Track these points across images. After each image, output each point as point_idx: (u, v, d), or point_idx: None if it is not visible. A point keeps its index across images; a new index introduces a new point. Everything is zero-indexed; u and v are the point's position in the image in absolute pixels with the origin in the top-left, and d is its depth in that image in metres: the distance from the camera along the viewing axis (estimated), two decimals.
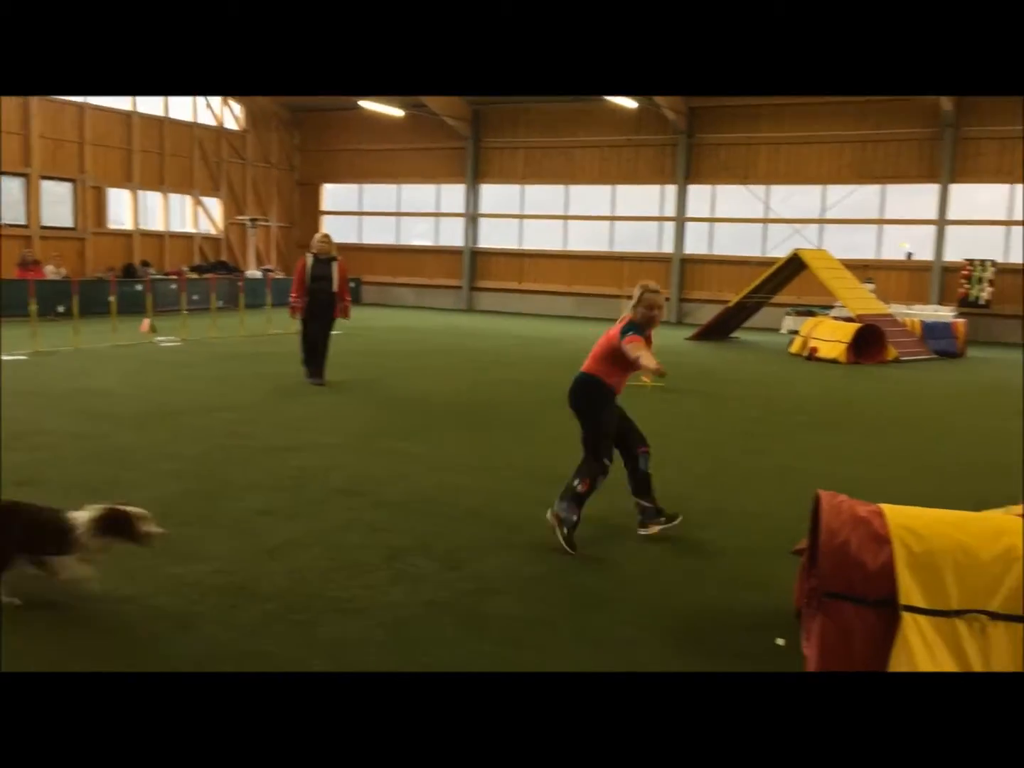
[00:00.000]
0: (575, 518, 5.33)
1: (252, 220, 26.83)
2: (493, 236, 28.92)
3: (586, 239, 27.75)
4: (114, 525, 4.24)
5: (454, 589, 4.56)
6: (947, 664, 3.49)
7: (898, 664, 3.52)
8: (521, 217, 28.51)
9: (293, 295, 10.89)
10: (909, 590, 3.57)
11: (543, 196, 28.02)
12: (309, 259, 10.80)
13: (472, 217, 28.93)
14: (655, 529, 5.54)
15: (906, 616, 3.55)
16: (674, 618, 4.30)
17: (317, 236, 11.22)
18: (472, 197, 28.80)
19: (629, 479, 5.68)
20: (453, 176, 28.89)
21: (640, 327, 5.55)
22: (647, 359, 5.34)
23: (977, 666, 3.47)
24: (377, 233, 30.16)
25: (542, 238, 28.21)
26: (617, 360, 5.52)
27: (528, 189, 28.25)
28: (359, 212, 30.50)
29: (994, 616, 3.50)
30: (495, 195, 28.72)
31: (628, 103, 24.28)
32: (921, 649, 3.51)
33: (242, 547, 5.11)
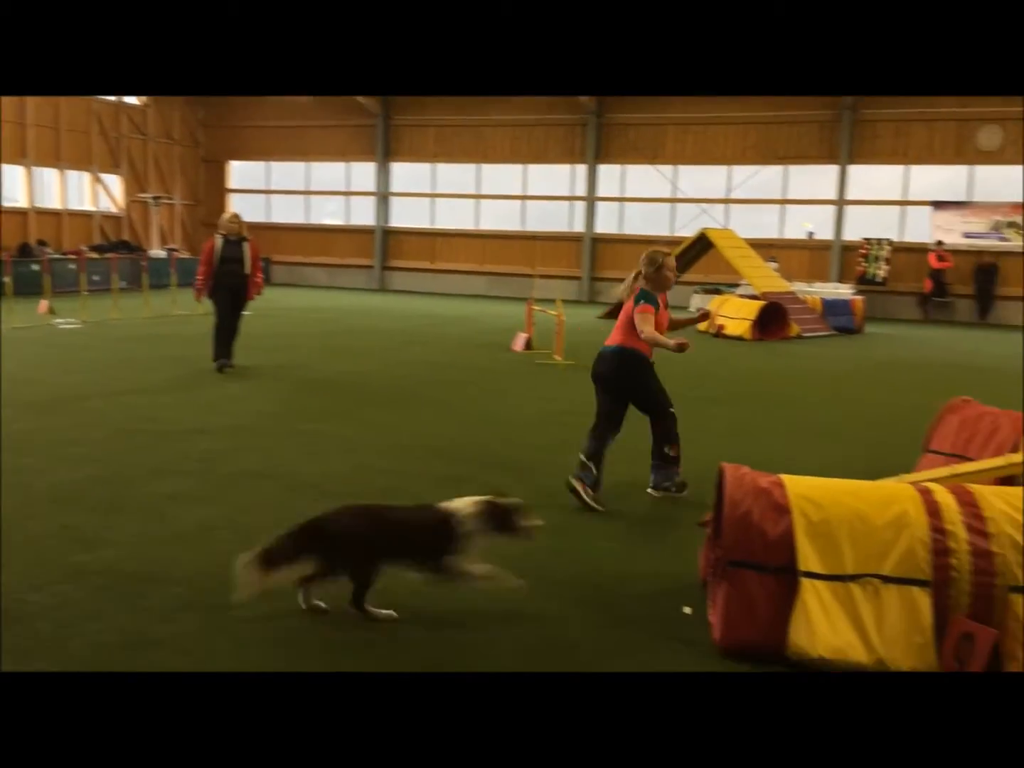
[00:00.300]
0: (677, 477, 5.92)
1: (155, 198, 26.05)
2: (405, 215, 28.71)
3: (498, 218, 27.77)
4: (496, 519, 4.01)
5: None
6: (843, 626, 3.65)
7: (798, 628, 3.67)
8: (433, 196, 28.36)
9: (199, 278, 10.57)
10: (807, 557, 3.72)
11: (454, 175, 27.91)
12: (219, 241, 10.44)
13: (383, 196, 28.65)
14: (581, 491, 5.71)
15: (805, 582, 3.70)
16: (582, 588, 4.39)
17: (226, 216, 10.86)
18: (383, 175, 28.51)
19: (590, 441, 5.93)
20: (363, 154, 28.54)
21: (651, 294, 5.83)
22: (651, 334, 5.69)
23: (871, 629, 3.64)
24: (286, 212, 29.63)
25: (454, 217, 28.13)
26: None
27: (439, 168, 28.10)
28: (267, 190, 29.89)
29: (886, 579, 3.68)
30: (406, 174, 28.48)
31: None
32: (819, 613, 3.67)
33: (150, 532, 5.02)
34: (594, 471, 5.80)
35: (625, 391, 5.95)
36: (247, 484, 6.02)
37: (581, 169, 26.59)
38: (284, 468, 6.43)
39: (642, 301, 5.78)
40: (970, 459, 5.55)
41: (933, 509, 3.74)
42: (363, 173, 28.78)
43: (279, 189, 29.78)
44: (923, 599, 3.62)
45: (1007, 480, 5.16)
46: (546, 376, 11.32)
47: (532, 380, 10.96)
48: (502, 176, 27.49)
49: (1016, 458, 5.03)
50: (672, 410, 5.99)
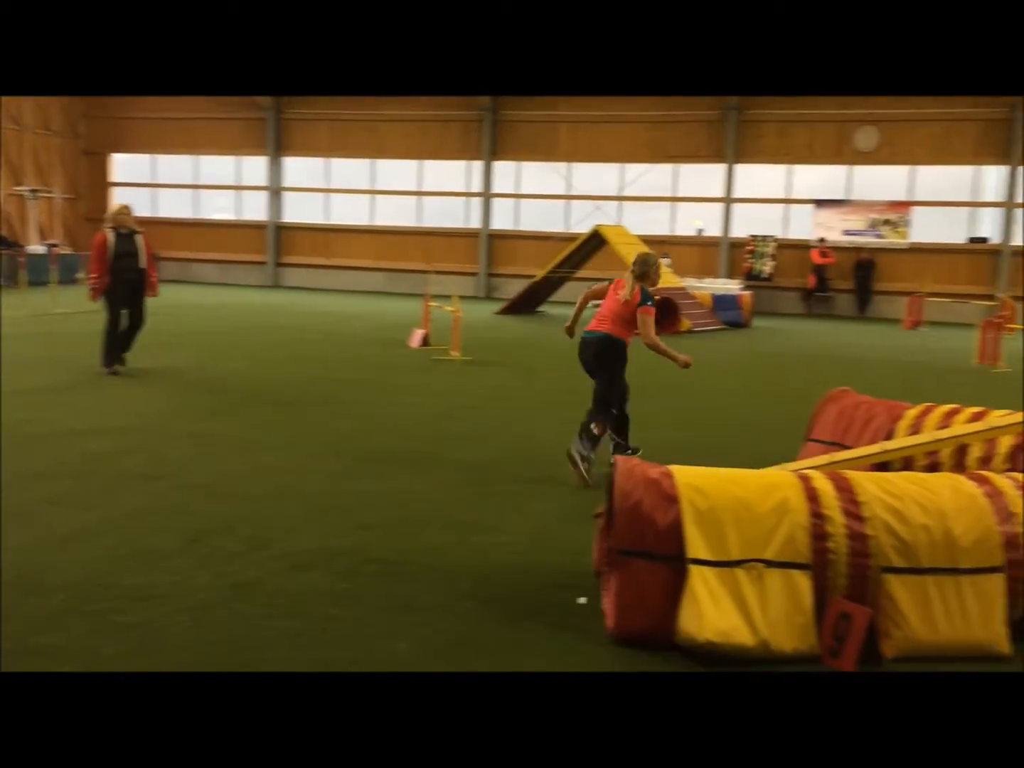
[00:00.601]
0: (592, 455, 6.18)
1: (32, 191, 24.95)
2: (298, 210, 28.26)
3: (394, 214, 27.61)
4: None
5: (263, 568, 4.49)
6: (729, 610, 3.77)
7: (687, 614, 3.77)
8: (327, 191, 27.99)
9: (93, 275, 9.97)
10: (695, 544, 3.83)
11: (349, 170, 27.61)
12: (110, 235, 9.90)
13: (275, 191, 28.12)
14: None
15: (693, 569, 3.80)
16: (479, 582, 4.42)
17: (116, 208, 10.33)
18: (275, 170, 27.99)
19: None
20: (254, 148, 27.96)
21: (650, 294, 6.24)
22: (656, 341, 6.19)
23: (756, 611, 3.77)
24: (174, 206, 28.80)
25: (349, 213, 27.84)
26: (632, 322, 6.26)
27: (333, 163, 27.76)
28: (153, 184, 29.00)
29: (770, 564, 3.81)
30: (299, 168, 28.04)
31: None
32: (706, 598, 3.77)
33: (30, 539, 4.82)
34: (623, 441, 6.52)
35: (597, 372, 6.44)
36: (134, 486, 5.84)
37: (477, 165, 26.65)
38: (172, 468, 6.26)
39: (648, 303, 6.20)
40: (848, 447, 5.80)
41: (812, 495, 3.90)
42: (254, 167, 28.20)
43: (166, 183, 28.92)
44: (804, 581, 3.77)
45: (882, 466, 5.42)
46: (443, 372, 11.33)
47: (429, 376, 10.94)
48: (397, 171, 27.33)
49: (889, 444, 5.29)
50: (614, 411, 6.45)
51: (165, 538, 4.88)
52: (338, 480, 6.11)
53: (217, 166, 28.44)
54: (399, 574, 4.46)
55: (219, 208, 29.03)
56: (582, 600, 4.29)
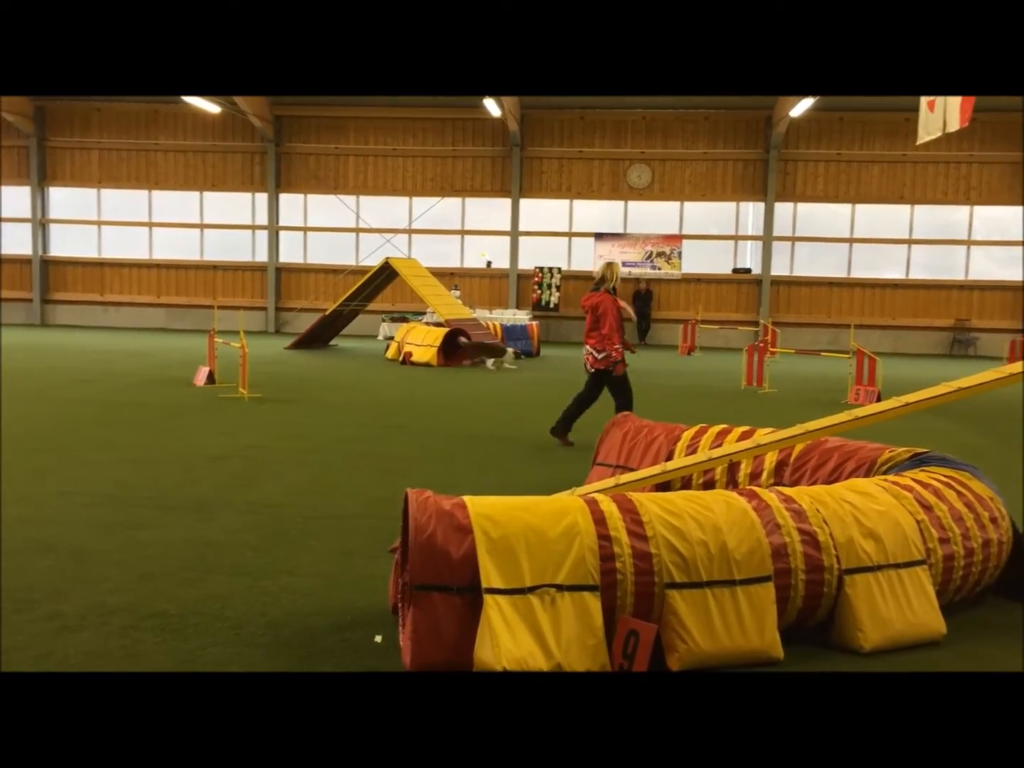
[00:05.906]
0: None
1: None
2: (67, 244, 26.54)
3: (174, 248, 26.47)
4: None
5: (25, 632, 4.11)
6: (524, 638, 3.80)
7: (483, 644, 3.77)
8: (99, 223, 26.46)
9: (618, 345, 9.22)
10: (489, 574, 3.84)
11: (122, 201, 26.25)
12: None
13: (40, 222, 26.30)
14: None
15: (488, 598, 3.81)
16: (268, 629, 4.23)
17: (616, 267, 9.36)
18: (39, 200, 26.20)
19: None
20: (15, 177, 26.07)
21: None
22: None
23: (550, 636, 3.82)
24: None
25: (125, 246, 26.43)
26: None
27: (105, 193, 26.31)
28: None
29: (560, 588, 3.88)
30: (67, 199, 26.38)
31: (210, 107, 23.51)
32: (502, 627, 3.79)
33: None
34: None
35: None
36: None
37: (261, 198, 26.05)
38: None
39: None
40: (632, 469, 6.04)
41: (599, 517, 4.01)
42: (16, 198, 26.29)
43: None
44: (594, 603, 3.86)
45: (663, 486, 5.68)
46: (230, 410, 10.90)
47: (215, 415, 10.49)
48: (176, 203, 26.27)
49: (669, 465, 5.55)
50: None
51: None
52: (114, 530, 5.71)
53: None
54: (181, 627, 4.20)
55: None
56: (378, 638, 4.20)
